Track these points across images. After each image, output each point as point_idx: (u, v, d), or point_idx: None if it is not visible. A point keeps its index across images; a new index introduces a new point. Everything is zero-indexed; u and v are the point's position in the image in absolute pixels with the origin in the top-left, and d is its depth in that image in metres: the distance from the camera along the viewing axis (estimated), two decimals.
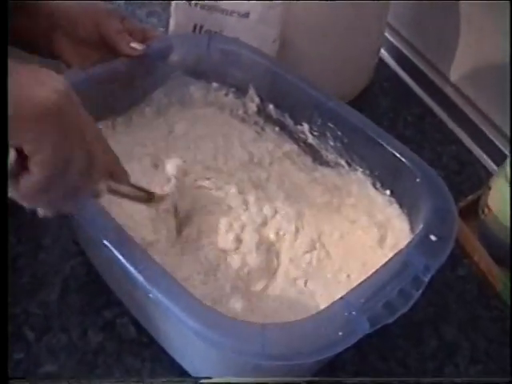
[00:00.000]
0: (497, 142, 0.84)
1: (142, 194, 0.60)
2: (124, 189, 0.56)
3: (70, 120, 0.43)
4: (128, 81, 0.70)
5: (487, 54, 0.84)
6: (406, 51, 1.00)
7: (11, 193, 0.43)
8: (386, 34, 1.01)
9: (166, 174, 0.69)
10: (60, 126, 0.41)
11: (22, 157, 0.41)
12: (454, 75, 0.91)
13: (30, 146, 0.41)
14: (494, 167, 0.83)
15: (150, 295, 0.49)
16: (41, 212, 0.47)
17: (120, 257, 0.51)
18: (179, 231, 0.67)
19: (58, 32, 0.68)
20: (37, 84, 0.41)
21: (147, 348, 0.62)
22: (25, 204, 0.44)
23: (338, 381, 0.60)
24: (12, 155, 0.41)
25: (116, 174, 0.52)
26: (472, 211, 0.73)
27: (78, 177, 0.44)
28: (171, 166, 0.69)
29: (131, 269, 0.50)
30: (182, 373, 0.60)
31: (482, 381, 0.61)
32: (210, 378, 0.54)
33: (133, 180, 0.56)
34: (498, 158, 0.82)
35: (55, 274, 0.68)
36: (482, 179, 0.80)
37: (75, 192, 0.46)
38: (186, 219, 0.68)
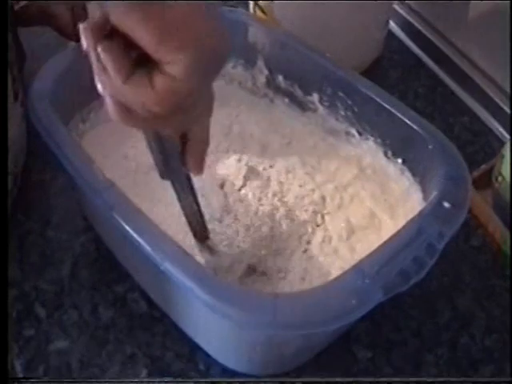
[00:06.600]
0: (509, 112, 0.83)
1: None
2: None
3: None
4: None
5: (500, 24, 0.82)
6: (415, 22, 0.98)
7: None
8: (395, 6, 0.99)
9: None
10: None
11: None
12: (465, 45, 0.90)
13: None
14: (508, 136, 0.82)
15: (161, 267, 0.48)
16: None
17: (129, 230, 0.50)
18: None
19: None
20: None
21: (158, 322, 0.62)
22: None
23: (337, 381, 0.59)
24: None
25: None
26: (485, 181, 0.72)
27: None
28: None
29: (141, 241, 0.49)
30: (194, 347, 0.60)
31: (482, 381, 0.60)
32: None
33: None
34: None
35: (65, 250, 0.67)
36: (495, 149, 0.79)
37: None
38: None
